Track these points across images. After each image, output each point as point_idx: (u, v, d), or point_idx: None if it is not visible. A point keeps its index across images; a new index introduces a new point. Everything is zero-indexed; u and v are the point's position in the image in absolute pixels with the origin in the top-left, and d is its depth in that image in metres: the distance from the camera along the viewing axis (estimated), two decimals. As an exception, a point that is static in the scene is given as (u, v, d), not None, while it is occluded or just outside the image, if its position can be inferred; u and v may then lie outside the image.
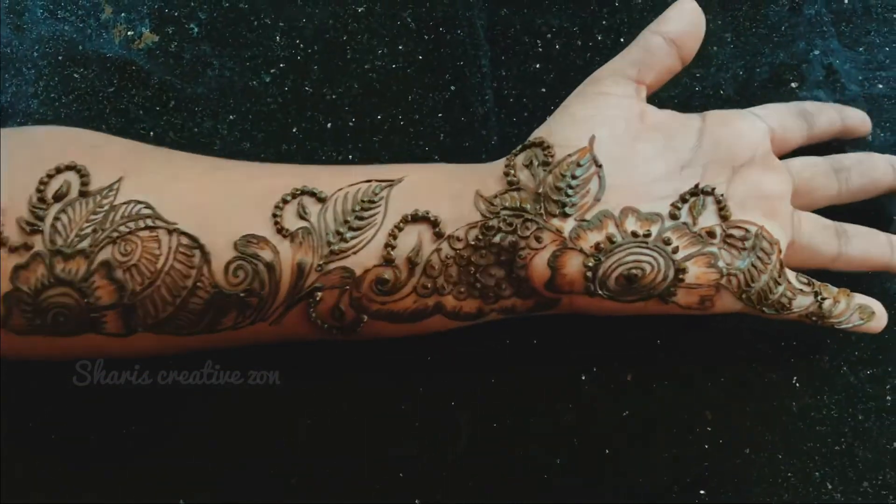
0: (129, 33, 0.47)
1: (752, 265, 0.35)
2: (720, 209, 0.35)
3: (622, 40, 0.45)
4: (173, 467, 0.39)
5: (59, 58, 0.46)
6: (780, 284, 0.35)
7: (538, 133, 0.36)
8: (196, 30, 0.47)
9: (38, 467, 0.39)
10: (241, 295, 0.33)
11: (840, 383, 0.40)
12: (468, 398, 0.40)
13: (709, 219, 0.35)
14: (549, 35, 0.45)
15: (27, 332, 0.33)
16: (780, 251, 0.35)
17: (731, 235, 0.35)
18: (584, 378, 0.40)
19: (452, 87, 0.45)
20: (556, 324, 0.41)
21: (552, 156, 0.35)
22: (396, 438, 0.39)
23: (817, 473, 0.39)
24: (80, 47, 0.47)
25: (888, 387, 0.39)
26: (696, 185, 0.35)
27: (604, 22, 0.45)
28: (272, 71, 0.46)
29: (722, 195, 0.35)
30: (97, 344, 0.34)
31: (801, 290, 0.36)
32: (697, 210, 0.35)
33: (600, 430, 0.39)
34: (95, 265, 0.32)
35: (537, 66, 0.45)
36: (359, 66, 0.45)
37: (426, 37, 0.46)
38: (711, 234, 0.35)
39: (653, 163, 0.35)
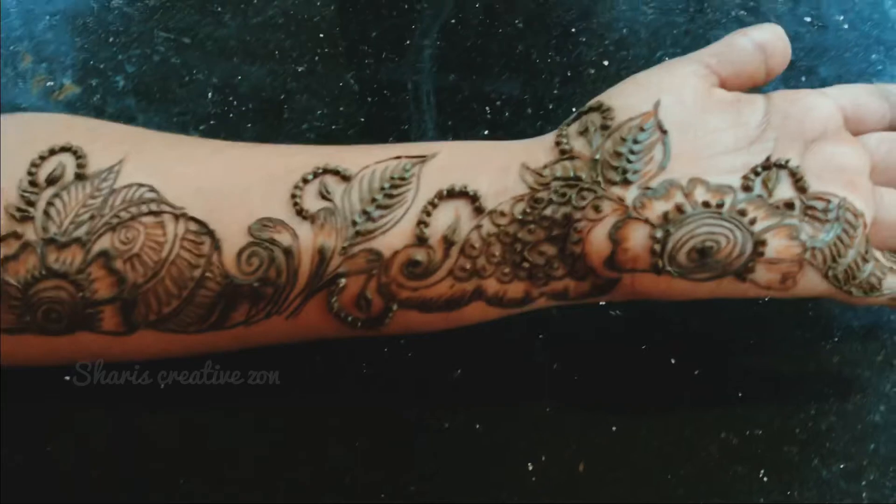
0: (48, 84, 0.44)
1: (838, 238, 0.31)
2: (796, 181, 0.31)
3: (573, 110, 0.43)
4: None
5: (-33, 105, 0.43)
6: (867, 262, 0.32)
7: (595, 99, 0.33)
8: (122, 83, 0.44)
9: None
10: (255, 285, 0.30)
11: (812, 478, 0.36)
12: (397, 487, 0.35)
13: (785, 191, 0.31)
14: (497, 102, 0.43)
15: (15, 331, 0.30)
16: (865, 225, 0.32)
17: (811, 207, 0.31)
18: (530, 467, 0.36)
19: (395, 151, 0.42)
20: (498, 405, 0.37)
21: (612, 119, 0.32)
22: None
23: (789, 581, 0.34)
24: (-8, 96, 0.43)
25: (864, 483, 0.36)
26: (768, 158, 0.32)
27: (555, 91, 0.43)
28: (201, 127, 0.42)
29: (797, 167, 0.32)
30: (91, 344, 0.31)
31: (891, 268, 0.32)
32: (772, 183, 0.31)
33: (548, 527, 0.35)
34: (92, 255, 0.29)
35: (485, 132, 0.42)
36: (296, 126, 0.43)
37: (369, 99, 0.43)
38: (790, 205, 0.31)
39: (720, 135, 0.32)
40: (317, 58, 0.44)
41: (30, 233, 0.30)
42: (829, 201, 0.31)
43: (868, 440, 0.36)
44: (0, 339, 0.31)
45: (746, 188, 0.31)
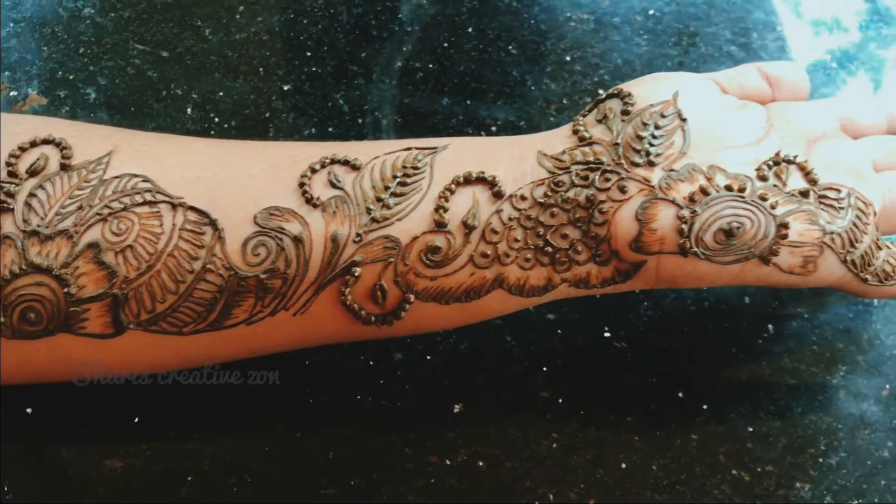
0: (12, 93, 0.41)
1: (853, 225, 0.32)
2: (806, 174, 0.32)
3: (572, 138, 0.42)
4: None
5: (-79, 113, 0.39)
6: (881, 249, 0.32)
7: (613, 88, 0.33)
8: (93, 95, 0.41)
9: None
10: (262, 276, 0.28)
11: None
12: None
13: (798, 182, 0.32)
14: (493, 128, 0.42)
15: None
16: (874, 213, 0.32)
17: (824, 196, 0.32)
18: (538, 507, 0.34)
19: (388, 174, 0.40)
20: (501, 441, 0.35)
21: (632, 104, 0.32)
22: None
23: None
24: (-54, 105, 0.40)
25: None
26: (777, 153, 0.32)
27: (552, 118, 0.42)
28: (181, 144, 0.40)
29: (805, 161, 0.32)
30: (71, 350, 0.28)
31: None
32: (785, 175, 0.32)
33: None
34: (80, 247, 0.27)
35: (481, 158, 0.41)
36: (282, 145, 0.40)
37: (359, 121, 0.41)
38: (805, 194, 0.31)
39: (732, 129, 0.32)
40: (304, 76, 0.42)
41: (8, 225, 0.27)
42: (839, 190, 0.32)
43: (879, 476, 0.36)
44: None
45: (762, 178, 0.31)
